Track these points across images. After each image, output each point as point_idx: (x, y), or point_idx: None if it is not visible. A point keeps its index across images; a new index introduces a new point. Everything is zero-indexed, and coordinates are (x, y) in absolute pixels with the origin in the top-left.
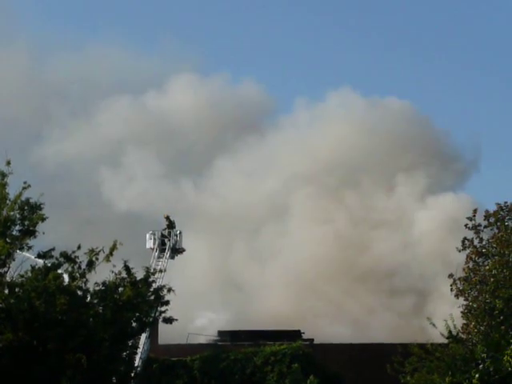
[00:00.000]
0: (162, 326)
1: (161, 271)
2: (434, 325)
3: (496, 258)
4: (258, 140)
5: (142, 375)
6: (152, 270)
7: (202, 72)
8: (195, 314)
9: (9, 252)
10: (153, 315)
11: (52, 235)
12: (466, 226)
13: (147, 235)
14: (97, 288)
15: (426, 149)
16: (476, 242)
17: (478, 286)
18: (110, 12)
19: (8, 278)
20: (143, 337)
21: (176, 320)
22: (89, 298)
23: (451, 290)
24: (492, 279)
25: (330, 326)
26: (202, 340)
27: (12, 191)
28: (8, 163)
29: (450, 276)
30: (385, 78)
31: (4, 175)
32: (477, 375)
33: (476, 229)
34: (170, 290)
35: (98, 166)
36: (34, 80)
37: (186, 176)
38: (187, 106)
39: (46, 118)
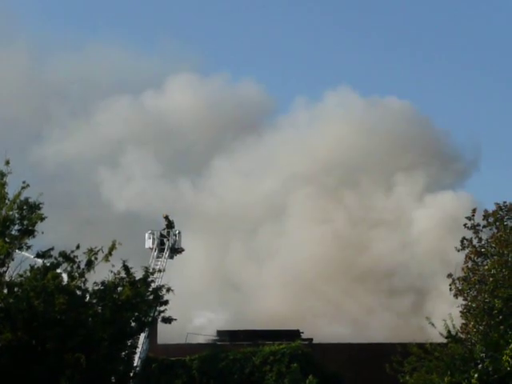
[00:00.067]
0: (160, 326)
1: (160, 271)
2: (433, 324)
3: (495, 257)
4: (256, 140)
5: (141, 375)
6: (151, 270)
7: (201, 72)
8: (194, 313)
9: (8, 251)
10: (152, 315)
11: (51, 235)
12: (465, 225)
13: (146, 235)
14: (96, 288)
15: (426, 148)
16: (475, 241)
17: (477, 286)
18: (109, 12)
19: (7, 278)
20: (142, 336)
21: (175, 320)
22: (88, 298)
23: (450, 289)
24: (491, 279)
25: (328, 326)
26: (201, 340)
27: (11, 191)
28: (7, 163)
29: (449, 276)
30: (384, 77)
31: (3, 175)
32: (476, 375)
33: (475, 228)
34: (168, 289)
35: (97, 166)
36: (34, 80)
37: (184, 176)
38: (186, 106)
39: (46, 118)
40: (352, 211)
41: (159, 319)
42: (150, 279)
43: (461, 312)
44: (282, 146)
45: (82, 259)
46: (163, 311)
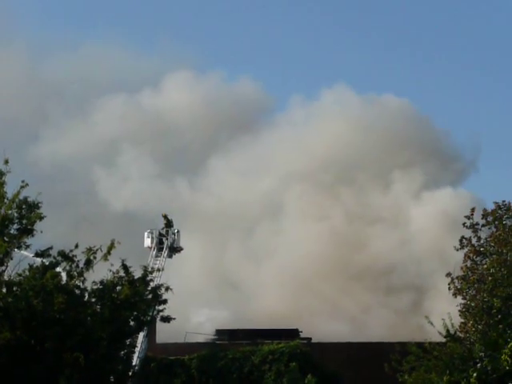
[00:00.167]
0: (159, 325)
1: (158, 270)
2: (431, 323)
3: (494, 256)
4: (253, 138)
5: (140, 374)
6: (150, 269)
7: (197, 70)
8: (193, 312)
9: (7, 251)
10: (151, 314)
11: (48, 234)
12: (463, 224)
13: (145, 234)
14: (95, 287)
15: (424, 147)
16: (474, 240)
17: (475, 285)
18: (106, 12)
19: (6, 277)
20: (141, 335)
21: (174, 319)
22: (87, 297)
23: (449, 288)
24: (490, 278)
25: (327, 325)
26: (200, 339)
27: (9, 190)
28: (6, 162)
29: (448, 275)
30: (382, 76)
31: (2, 174)
32: (475, 374)
33: (474, 227)
34: (167, 288)
35: (94, 165)
36: (32, 80)
37: (181, 175)
38: (183, 105)
39: (43, 118)
40: (349, 209)
41: (158, 318)
42: (148, 278)
43: (460, 311)
44: (278, 144)
45: (81, 258)
46: (162, 310)
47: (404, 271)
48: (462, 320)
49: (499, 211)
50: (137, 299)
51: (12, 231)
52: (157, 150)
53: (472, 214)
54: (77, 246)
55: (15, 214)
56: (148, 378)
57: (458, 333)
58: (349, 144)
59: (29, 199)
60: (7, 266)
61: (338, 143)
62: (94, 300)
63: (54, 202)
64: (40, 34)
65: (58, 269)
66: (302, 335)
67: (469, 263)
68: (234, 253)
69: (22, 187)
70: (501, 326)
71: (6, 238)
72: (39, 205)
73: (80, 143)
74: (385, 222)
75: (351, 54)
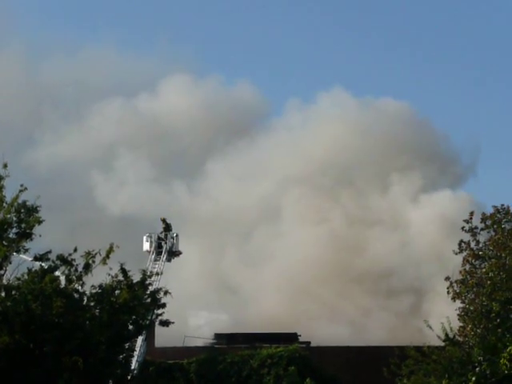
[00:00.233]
0: (158, 329)
1: (157, 274)
2: (430, 327)
3: (493, 260)
4: (250, 142)
5: (139, 378)
6: (148, 273)
7: (195, 74)
8: (191, 316)
9: (5, 255)
10: (149, 318)
11: (47, 238)
12: (462, 228)
13: (144, 237)
14: (93, 291)
15: (422, 150)
16: (473, 244)
17: (474, 289)
18: (104, 15)
19: (5, 281)
20: (140, 339)
21: (172, 323)
22: (85, 301)
23: (448, 292)
24: (489, 282)
25: (326, 328)
26: (199, 343)
27: (7, 194)
28: (5, 166)
29: (447, 279)
30: (380, 79)
31: (1, 178)
32: (473, 378)
33: (473, 231)
34: (166, 292)
35: (91, 169)
36: (29, 83)
37: (178, 179)
38: (180, 109)
39: (40, 121)
40: (348, 212)
41: (157, 322)
42: (147, 282)
43: (458, 315)
44: (276, 147)
45: (80, 262)
46: (161, 314)
47: (403, 274)
48: (461, 324)
49: (498, 215)
50: (135, 303)
51: (11, 235)
52: (154, 154)
53: (471, 218)
54: (75, 250)
55: (14, 218)
56: (147, 382)
57: (456, 337)
58: (347, 147)
59: (27, 203)
60: (6, 270)
61: (335, 146)
62: (92, 304)
63: (51, 206)
64: (35, 37)
65: (57, 273)
66: (301, 339)
67: (467, 267)
68: (232, 257)
69: (20, 191)
70: (499, 330)
71: (4, 242)
72: (38, 209)
73: (77, 147)
74: (384, 225)
75: (348, 57)
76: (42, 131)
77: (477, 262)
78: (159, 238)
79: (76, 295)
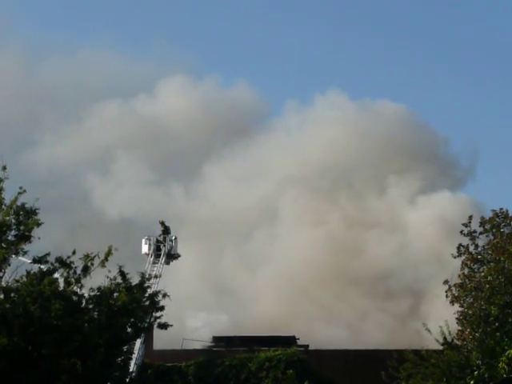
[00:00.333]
0: (156, 332)
1: (156, 277)
2: (429, 331)
3: (491, 264)
4: (248, 144)
5: (137, 381)
6: (147, 276)
7: (193, 75)
8: (189, 319)
9: (4, 257)
10: (148, 321)
11: (46, 240)
12: (461, 232)
13: (143, 240)
14: (92, 293)
15: (421, 153)
16: (471, 248)
17: (473, 293)
18: (101, 16)
19: (3, 283)
20: (138, 342)
21: (171, 326)
22: (84, 303)
23: (446, 296)
24: (487, 286)
25: (324, 331)
26: (197, 346)
27: (5, 196)
28: (4, 168)
29: (446, 282)
30: (378, 82)
31: (0, 180)
32: (472, 382)
33: (471, 235)
34: (165, 295)
35: (89, 171)
36: (26, 84)
37: (176, 181)
38: (178, 110)
39: (38, 123)
40: (346, 214)
41: (155, 325)
42: (146, 285)
43: (457, 319)
44: (274, 149)
45: (79, 265)
46: (159, 317)
47: (401, 276)
48: (460, 328)
49: (497, 219)
50: (134, 306)
51: (10, 237)
52: (152, 155)
53: (469, 222)
54: (74, 253)
55: (13, 220)
56: None
57: (455, 340)
58: (345, 149)
59: (26, 205)
60: (5, 273)
61: (333, 148)
62: (91, 306)
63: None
64: (33, 39)
65: (56, 275)
66: (299, 342)
67: (466, 271)
68: (230, 259)
69: (19, 193)
70: (498, 334)
71: (3, 245)
72: (37, 211)
73: (75, 148)
74: (382, 227)
75: (347, 59)
76: (39, 132)
77: (475, 266)
78: (158, 241)
79: (75, 298)
